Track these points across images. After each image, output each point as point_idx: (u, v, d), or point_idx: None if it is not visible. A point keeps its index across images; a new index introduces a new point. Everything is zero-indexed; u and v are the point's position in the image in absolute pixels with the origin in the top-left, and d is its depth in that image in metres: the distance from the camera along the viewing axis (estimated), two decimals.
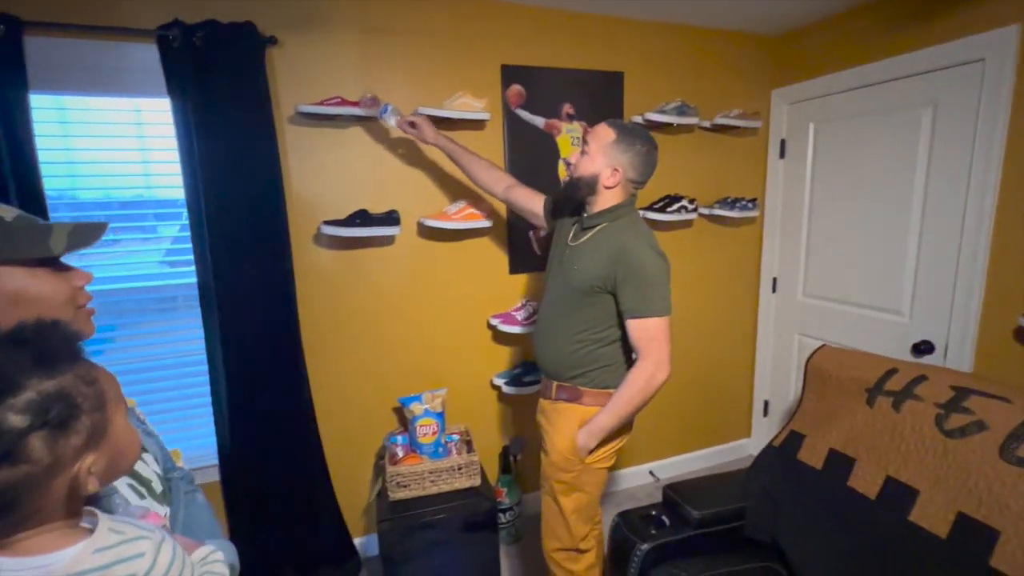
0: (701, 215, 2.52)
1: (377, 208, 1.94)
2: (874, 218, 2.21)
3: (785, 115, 2.57)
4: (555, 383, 1.53)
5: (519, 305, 2.20)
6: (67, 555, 0.53)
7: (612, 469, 1.67)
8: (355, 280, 2.03)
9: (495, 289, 2.25)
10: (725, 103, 2.47)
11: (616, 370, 1.48)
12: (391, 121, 1.79)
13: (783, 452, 1.60)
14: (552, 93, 2.19)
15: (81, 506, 0.57)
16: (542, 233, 2.24)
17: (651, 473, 2.74)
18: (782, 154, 2.61)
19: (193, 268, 1.78)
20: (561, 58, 2.18)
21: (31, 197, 1.51)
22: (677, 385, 2.58)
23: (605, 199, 1.43)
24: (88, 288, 0.73)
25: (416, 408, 1.94)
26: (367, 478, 2.17)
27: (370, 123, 1.94)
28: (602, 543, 1.67)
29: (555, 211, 1.65)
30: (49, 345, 0.53)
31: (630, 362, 1.50)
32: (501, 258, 2.25)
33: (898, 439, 1.33)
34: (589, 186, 1.42)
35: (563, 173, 2.24)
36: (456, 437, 2.06)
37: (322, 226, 1.85)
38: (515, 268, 2.27)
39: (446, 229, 2.02)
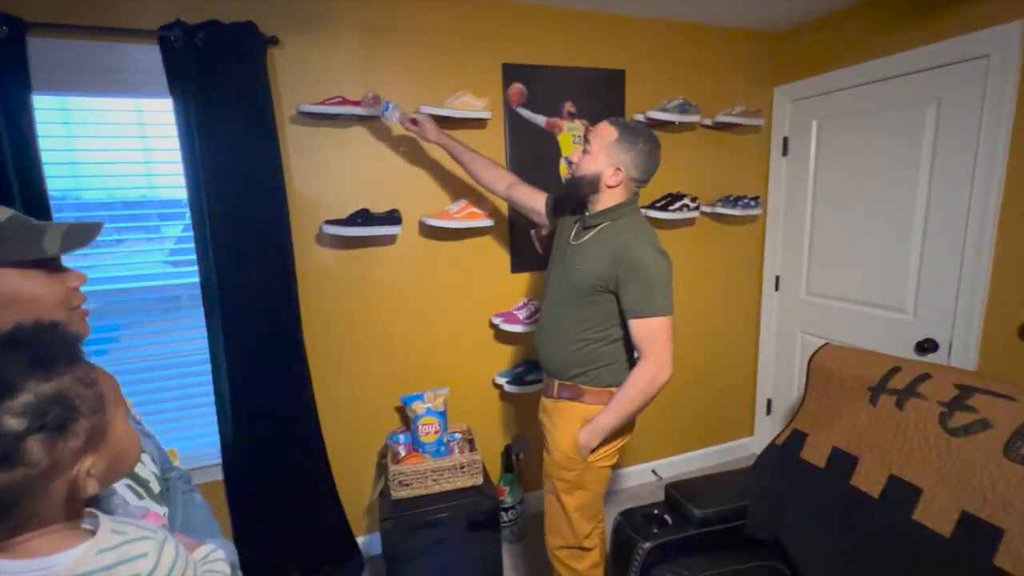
0: (703, 213, 2.52)
1: (379, 207, 1.94)
2: (877, 215, 2.20)
3: (787, 113, 2.56)
4: (557, 382, 1.53)
5: (521, 304, 2.21)
6: (70, 556, 0.53)
7: (614, 468, 1.67)
8: (357, 280, 2.03)
9: (497, 288, 2.25)
10: (727, 101, 2.47)
11: (618, 369, 1.48)
12: (393, 118, 1.79)
13: (786, 451, 1.59)
14: (553, 91, 2.19)
15: (82, 508, 0.57)
16: (544, 232, 2.24)
17: (653, 472, 2.74)
18: (784, 152, 2.60)
19: (196, 268, 1.78)
20: (562, 56, 2.18)
21: (35, 198, 1.52)
22: (680, 384, 2.58)
23: (607, 198, 1.42)
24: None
25: (418, 407, 1.94)
26: (370, 477, 2.18)
27: (371, 122, 1.95)
28: (605, 541, 1.67)
29: (557, 209, 1.64)
30: (47, 347, 0.53)
31: (632, 361, 1.50)
32: (503, 257, 2.25)
33: (901, 438, 1.32)
34: (591, 185, 1.42)
35: (565, 172, 2.24)
36: (458, 436, 2.07)
37: (324, 225, 1.85)
38: (517, 267, 2.26)
39: (448, 228, 2.02)
